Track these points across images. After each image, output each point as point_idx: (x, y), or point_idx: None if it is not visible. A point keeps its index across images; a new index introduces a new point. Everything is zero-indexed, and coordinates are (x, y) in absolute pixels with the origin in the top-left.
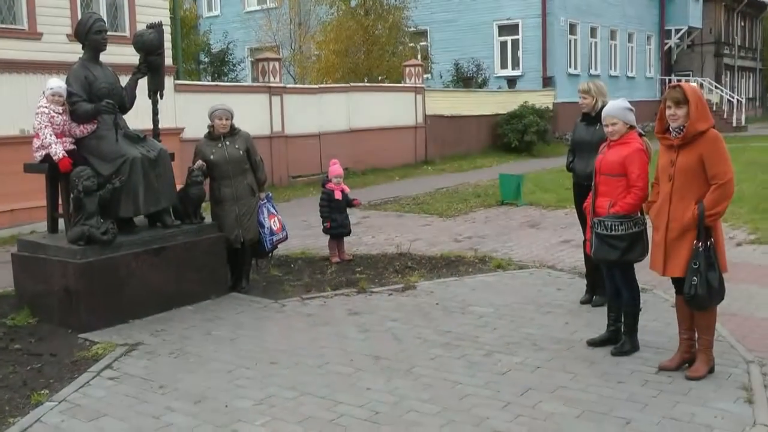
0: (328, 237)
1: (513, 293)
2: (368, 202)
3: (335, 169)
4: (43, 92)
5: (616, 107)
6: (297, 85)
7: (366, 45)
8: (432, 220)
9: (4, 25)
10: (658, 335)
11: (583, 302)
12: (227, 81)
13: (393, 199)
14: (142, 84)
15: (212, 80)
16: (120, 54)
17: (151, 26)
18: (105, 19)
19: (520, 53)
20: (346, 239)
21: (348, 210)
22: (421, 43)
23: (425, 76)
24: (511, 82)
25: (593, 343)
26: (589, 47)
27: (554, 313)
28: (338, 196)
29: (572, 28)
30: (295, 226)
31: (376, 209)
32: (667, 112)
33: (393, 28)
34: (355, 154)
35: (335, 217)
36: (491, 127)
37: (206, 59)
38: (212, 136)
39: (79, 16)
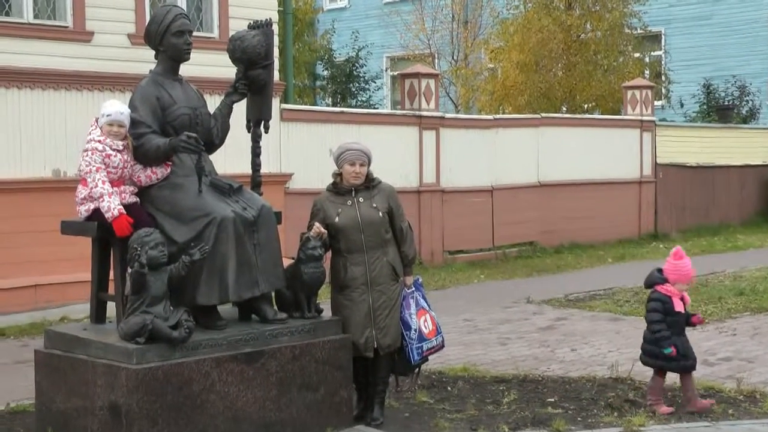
0: (654, 370)
1: None
2: (565, 296)
3: (683, 268)
4: (95, 119)
5: None
6: (460, 115)
7: (567, 55)
8: None
9: (39, 21)
10: None
11: None
12: (356, 105)
13: (604, 292)
14: (239, 110)
15: (334, 103)
16: (206, 65)
17: (255, 26)
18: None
19: None
20: (531, 352)
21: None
22: (653, 53)
23: (658, 103)
24: None
25: None
26: None
27: None
28: (679, 307)
29: None
30: (454, 328)
31: (578, 307)
32: None
33: (611, 30)
34: (545, 221)
35: (675, 341)
36: (762, 186)
37: (326, 72)
38: (339, 189)
39: (148, 9)
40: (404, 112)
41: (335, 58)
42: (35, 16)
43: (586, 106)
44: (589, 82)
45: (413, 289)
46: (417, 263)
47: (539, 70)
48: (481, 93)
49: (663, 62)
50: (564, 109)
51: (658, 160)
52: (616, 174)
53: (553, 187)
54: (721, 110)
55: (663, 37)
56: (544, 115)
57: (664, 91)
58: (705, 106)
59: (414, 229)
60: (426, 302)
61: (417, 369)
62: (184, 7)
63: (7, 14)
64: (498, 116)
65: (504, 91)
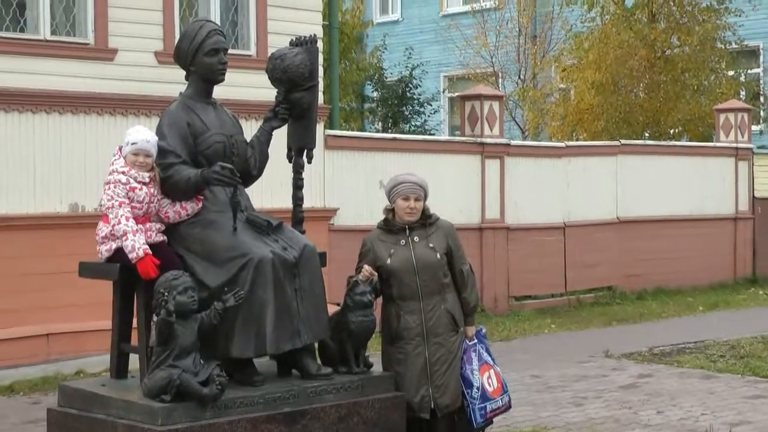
0: None
1: None
2: (649, 349)
3: None
4: (119, 148)
5: None
6: (528, 142)
7: (650, 74)
8: None
9: (56, 38)
10: None
11: None
12: (410, 131)
13: (694, 345)
14: (279, 137)
15: (384, 129)
16: (242, 86)
17: (297, 42)
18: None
19: None
20: (610, 414)
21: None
22: (749, 71)
23: (755, 128)
24: None
25: None
26: None
27: None
28: None
29: None
30: (521, 386)
31: (664, 362)
32: None
33: (702, 45)
34: (626, 263)
35: None
36: None
37: (376, 93)
38: (391, 226)
39: (177, 25)
40: (464, 138)
41: (386, 77)
42: (53, 32)
43: (672, 131)
44: (676, 105)
45: (475, 341)
46: (479, 311)
47: (618, 90)
48: (552, 117)
49: (761, 81)
50: (646, 135)
51: (756, 194)
52: (708, 209)
53: (635, 224)
54: None
55: (761, 52)
56: (623, 142)
57: (762, 114)
58: None
59: (476, 272)
60: (490, 356)
61: None
62: (218, 21)
63: (22, 30)
64: (571, 143)
65: (578, 115)
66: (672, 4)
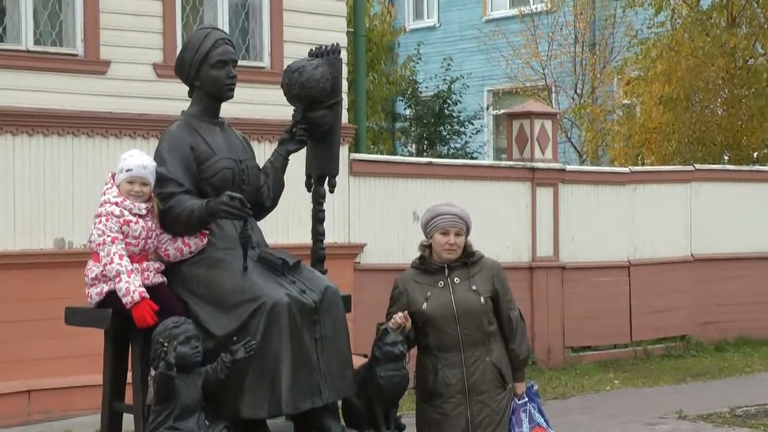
0: None
1: None
2: (730, 410)
3: None
4: (111, 175)
5: None
6: (586, 167)
7: (729, 87)
8: None
9: (40, 48)
10: None
11: None
12: (448, 154)
13: None
14: (297, 162)
15: (419, 152)
16: (254, 103)
17: (318, 53)
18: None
19: None
20: None
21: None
22: None
23: None
24: None
25: None
26: None
27: None
28: None
29: None
30: None
31: (749, 425)
32: None
33: None
34: (702, 308)
35: None
36: None
37: (409, 111)
38: (428, 265)
39: (179, 33)
40: (512, 163)
41: (421, 92)
42: (36, 42)
43: (756, 154)
44: (761, 123)
45: (525, 399)
46: (530, 364)
47: (692, 106)
48: (614, 138)
49: None
50: (725, 158)
51: None
52: None
53: (712, 262)
54: None
55: None
56: (698, 166)
57: None
58: None
59: (526, 319)
60: (543, 417)
61: None
62: (227, 28)
63: (1, 39)
64: (636, 168)
65: (644, 135)
66: (756, 5)
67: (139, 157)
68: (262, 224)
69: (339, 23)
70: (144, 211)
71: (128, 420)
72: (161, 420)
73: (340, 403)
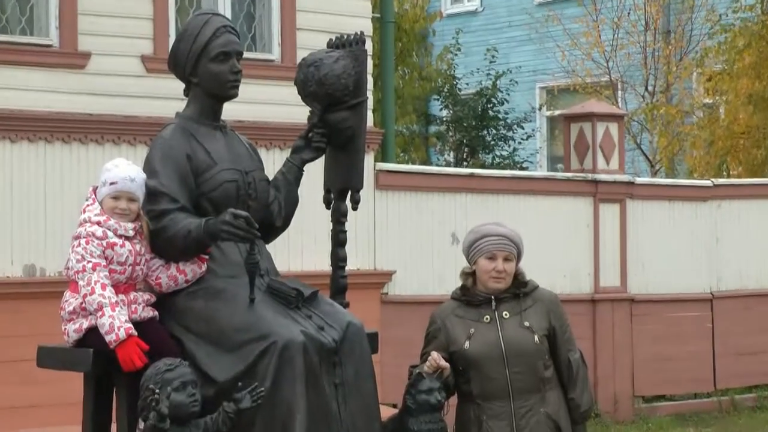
0: None
1: None
2: None
3: None
4: (92, 189)
5: None
6: (659, 180)
7: None
8: None
9: (6, 38)
10: None
11: None
12: (494, 164)
13: None
14: (313, 173)
15: (458, 160)
16: (262, 102)
17: (338, 43)
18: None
19: None
20: None
21: None
22: None
23: None
24: None
25: None
26: None
27: None
28: None
29: None
30: None
31: None
32: None
33: None
34: None
35: None
36: None
37: (446, 112)
38: (471, 297)
39: (173, 19)
40: (570, 175)
41: (460, 89)
42: (2, 31)
43: None
44: None
45: None
46: (593, 416)
47: None
48: (693, 144)
49: None
50: None
51: None
52: None
53: None
54: None
55: None
56: None
57: None
58: None
59: (588, 362)
60: None
61: None
62: (229, 14)
63: None
64: (721, 181)
65: (730, 141)
66: None
67: (125, 168)
68: (272, 248)
69: (363, 8)
70: (131, 233)
71: None
72: None
73: None
